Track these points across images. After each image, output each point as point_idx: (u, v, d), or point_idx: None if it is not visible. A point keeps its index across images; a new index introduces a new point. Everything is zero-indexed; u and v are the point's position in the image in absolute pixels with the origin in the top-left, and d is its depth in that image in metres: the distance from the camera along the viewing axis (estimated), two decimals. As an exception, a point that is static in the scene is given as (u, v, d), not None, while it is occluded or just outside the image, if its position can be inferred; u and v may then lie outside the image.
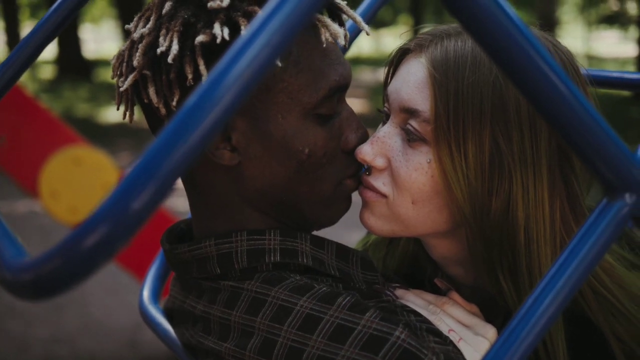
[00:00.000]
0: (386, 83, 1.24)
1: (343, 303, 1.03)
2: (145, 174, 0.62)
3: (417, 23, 23.39)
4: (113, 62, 1.16)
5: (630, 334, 1.11)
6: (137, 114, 1.18)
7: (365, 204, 1.21)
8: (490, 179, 1.10)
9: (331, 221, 1.19)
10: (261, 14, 0.64)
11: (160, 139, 0.63)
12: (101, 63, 23.10)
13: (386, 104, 1.22)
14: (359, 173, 1.20)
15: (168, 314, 1.29)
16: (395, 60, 1.24)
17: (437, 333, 1.04)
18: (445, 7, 0.73)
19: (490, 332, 1.13)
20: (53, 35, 1.26)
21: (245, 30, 0.63)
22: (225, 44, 1.03)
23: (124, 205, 0.62)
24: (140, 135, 11.98)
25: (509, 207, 1.10)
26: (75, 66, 19.71)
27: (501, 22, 0.71)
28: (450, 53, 1.12)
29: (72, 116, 13.92)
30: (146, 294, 1.44)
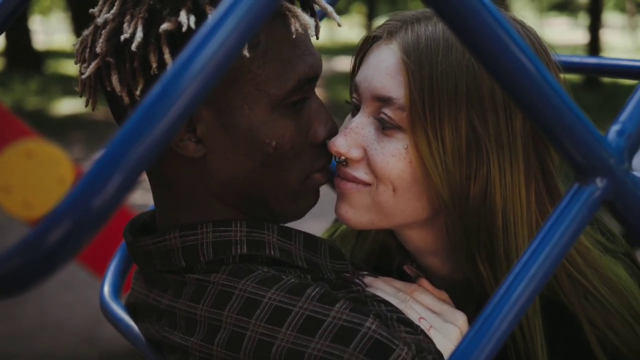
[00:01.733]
0: (354, 73, 1.22)
1: (312, 294, 1.01)
2: (109, 167, 0.60)
3: (371, 11, 23.43)
4: (76, 47, 1.12)
5: (603, 318, 1.11)
6: (88, 105, 1.14)
7: (342, 197, 1.18)
8: (468, 163, 1.09)
9: (297, 215, 1.17)
10: (226, 0, 0.62)
11: (123, 131, 0.61)
12: (52, 54, 22.71)
13: (355, 95, 1.19)
14: (327, 167, 1.17)
15: (131, 309, 1.26)
16: (363, 49, 1.22)
17: (408, 323, 1.03)
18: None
19: (460, 319, 1.12)
20: (1, 27, 1.21)
21: (210, 17, 0.61)
22: (191, 33, 0.99)
23: (87, 200, 0.60)
24: (93, 128, 11.82)
25: (487, 191, 1.10)
26: (25, 58, 19.33)
27: (471, 4, 0.70)
28: (422, 38, 1.11)
29: (22, 109, 13.66)
30: (107, 289, 1.40)
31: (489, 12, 0.71)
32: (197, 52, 0.62)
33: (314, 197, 1.18)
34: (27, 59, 19.27)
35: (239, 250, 1.08)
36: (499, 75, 0.75)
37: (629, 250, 1.23)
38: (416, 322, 1.07)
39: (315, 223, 2.23)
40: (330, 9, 1.12)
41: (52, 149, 4.31)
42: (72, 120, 13.01)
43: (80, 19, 15.35)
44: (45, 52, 22.15)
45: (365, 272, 1.17)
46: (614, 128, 0.82)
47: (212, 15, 0.62)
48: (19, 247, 0.61)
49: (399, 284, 1.16)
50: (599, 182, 0.80)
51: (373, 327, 0.97)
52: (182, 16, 0.99)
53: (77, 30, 15.78)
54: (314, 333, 0.97)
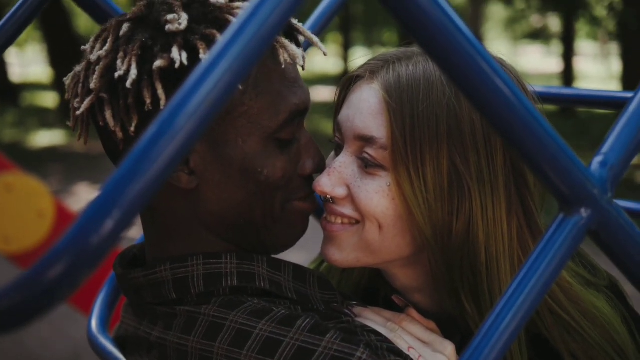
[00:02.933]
0: (337, 112, 1.24)
1: (303, 325, 1.02)
2: (107, 205, 0.61)
3: (347, 41, 23.54)
4: (67, 82, 1.14)
5: (585, 352, 1.13)
6: (66, 137, 1.15)
7: (330, 239, 1.20)
8: (450, 200, 1.11)
9: (286, 244, 1.18)
10: (221, 39, 0.64)
11: (120, 170, 0.62)
12: (28, 87, 22.66)
13: (337, 134, 1.21)
14: (309, 195, 1.19)
15: (120, 342, 1.26)
16: (345, 88, 1.24)
17: (398, 352, 1.04)
18: (404, 28, 0.73)
19: (449, 348, 1.13)
20: None
21: (205, 57, 0.62)
22: (184, 68, 1.02)
23: (85, 238, 0.60)
24: (71, 160, 11.77)
25: (469, 227, 1.11)
26: (1, 91, 19.31)
27: (457, 41, 0.72)
28: (403, 78, 1.13)
29: (-1, 142, 13.63)
30: (94, 322, 1.40)
31: (474, 47, 0.73)
32: (193, 91, 0.63)
33: (302, 226, 1.19)
34: (4, 91, 19.23)
35: (229, 282, 1.09)
36: (485, 109, 0.77)
37: (612, 281, 1.25)
38: (405, 351, 1.09)
39: (297, 254, 2.24)
40: (315, 38, 1.14)
41: (32, 181, 4.29)
42: (49, 153, 12.94)
43: (56, 52, 15.33)
44: (21, 84, 22.11)
45: (354, 302, 1.19)
46: (597, 159, 0.84)
47: (208, 55, 0.63)
48: (18, 284, 0.62)
49: (388, 314, 1.17)
50: (584, 212, 0.82)
51: (364, 357, 0.98)
52: (175, 53, 1.01)
53: (53, 62, 15.77)
54: None
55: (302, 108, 1.12)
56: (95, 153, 12.70)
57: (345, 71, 17.09)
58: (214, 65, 0.63)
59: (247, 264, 1.11)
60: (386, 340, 1.06)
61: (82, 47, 1.13)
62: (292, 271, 1.14)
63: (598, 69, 27.48)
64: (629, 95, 1.25)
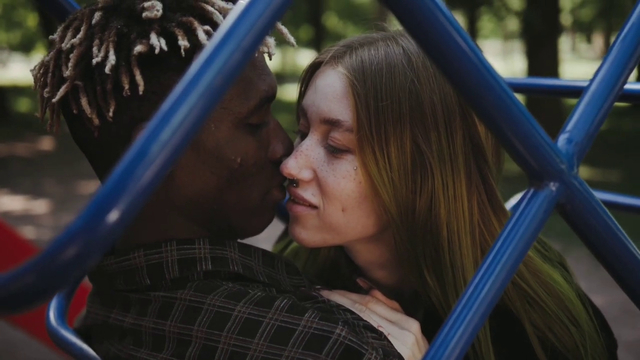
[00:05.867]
0: (300, 98, 1.27)
1: (281, 306, 1.05)
2: (116, 191, 0.64)
3: (318, 34, 23.27)
4: (34, 72, 1.13)
5: (543, 321, 1.19)
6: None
7: (295, 219, 1.23)
8: (413, 179, 1.15)
9: (256, 231, 1.21)
10: (207, 49, 0.66)
11: (130, 154, 0.64)
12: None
13: (302, 119, 1.24)
14: (284, 183, 1.22)
15: (85, 332, 1.26)
16: (309, 74, 1.27)
17: (373, 329, 1.08)
18: (389, 9, 0.77)
19: (414, 326, 1.18)
20: None
21: (192, 68, 0.65)
22: (162, 54, 1.04)
23: (96, 223, 0.63)
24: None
25: (432, 204, 1.16)
26: None
27: (438, 20, 0.76)
28: (366, 62, 1.17)
29: None
30: (52, 315, 1.39)
31: (450, 23, 0.77)
32: (175, 108, 0.65)
33: (271, 214, 1.22)
34: None
35: (203, 267, 1.11)
36: (461, 88, 0.82)
37: (561, 260, 1.33)
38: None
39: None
40: (284, 29, 1.17)
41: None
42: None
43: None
44: None
45: (319, 287, 1.22)
46: (563, 136, 0.90)
47: (192, 68, 0.65)
48: (31, 266, 0.64)
49: (354, 295, 1.22)
50: (552, 186, 0.87)
51: (343, 333, 1.01)
52: (153, 39, 1.02)
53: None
54: (286, 342, 1.01)
55: (270, 94, 1.15)
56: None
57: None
58: (195, 81, 0.66)
59: (220, 249, 1.13)
60: (361, 318, 1.10)
61: (50, 37, 1.13)
62: (261, 256, 1.17)
63: (500, 67, 28.23)
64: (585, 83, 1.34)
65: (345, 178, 1.17)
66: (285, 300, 1.06)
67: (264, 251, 1.19)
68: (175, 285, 1.11)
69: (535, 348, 1.18)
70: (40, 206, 8.97)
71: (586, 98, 0.92)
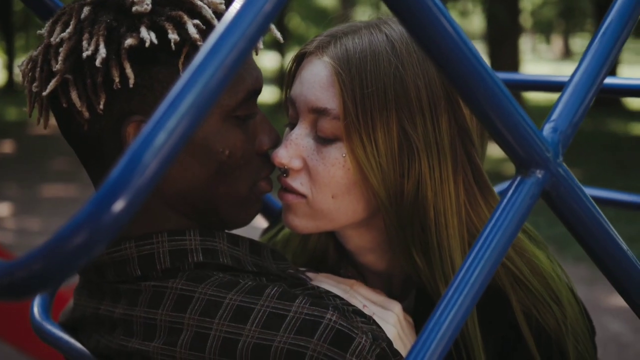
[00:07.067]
0: (288, 90, 1.30)
1: (272, 293, 1.07)
2: (121, 183, 0.65)
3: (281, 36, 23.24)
4: (22, 68, 1.14)
5: (528, 299, 1.23)
6: None
7: (287, 208, 1.25)
8: (400, 162, 1.18)
9: (244, 223, 1.22)
10: (197, 58, 0.67)
11: (136, 143, 0.65)
12: None
13: (291, 110, 1.27)
14: (270, 175, 1.24)
15: (71, 326, 1.26)
16: (296, 65, 1.29)
17: (362, 314, 1.10)
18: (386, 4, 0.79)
19: (397, 306, 1.22)
20: None
21: (184, 74, 0.66)
22: (152, 48, 1.05)
23: (102, 212, 0.64)
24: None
25: (419, 187, 1.19)
26: None
27: (428, 7, 0.78)
28: (351, 50, 1.19)
29: None
30: (37, 310, 1.39)
31: (439, 10, 0.79)
32: (180, 97, 0.66)
33: (259, 206, 1.24)
34: None
35: (194, 259, 1.12)
36: (451, 78, 0.84)
37: (543, 242, 1.36)
38: (360, 308, 1.16)
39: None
40: (271, 25, 1.18)
41: None
42: None
43: None
44: None
45: (305, 269, 1.25)
46: (548, 125, 0.93)
47: (184, 76, 0.66)
48: (39, 254, 0.65)
49: (338, 278, 1.25)
50: (539, 174, 0.90)
51: (333, 318, 1.04)
52: (144, 32, 1.04)
53: None
54: (278, 328, 1.03)
55: (257, 87, 1.17)
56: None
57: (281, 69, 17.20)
58: (187, 88, 0.66)
59: (210, 240, 1.15)
60: (350, 304, 1.12)
61: (38, 32, 1.14)
62: (248, 245, 1.19)
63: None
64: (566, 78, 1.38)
65: (335, 165, 1.19)
66: (276, 288, 1.08)
67: (251, 240, 1.21)
68: (166, 275, 1.12)
69: (520, 324, 1.22)
70: (2, 209, 8.87)
71: (570, 89, 0.95)
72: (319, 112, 1.20)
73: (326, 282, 1.22)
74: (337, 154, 1.19)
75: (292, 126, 1.27)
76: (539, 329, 1.22)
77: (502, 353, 1.23)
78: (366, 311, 1.16)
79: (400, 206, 1.20)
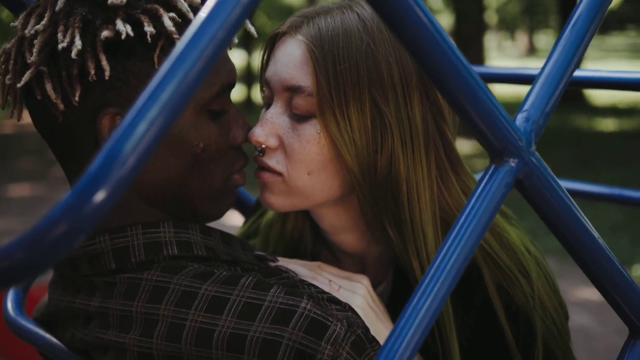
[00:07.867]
0: (263, 70, 1.31)
1: (247, 283, 1.08)
2: (100, 177, 0.64)
3: (247, 34, 23.08)
4: None
5: (498, 273, 1.25)
6: None
7: (264, 186, 1.27)
8: (374, 138, 1.20)
9: (218, 215, 1.23)
10: (177, 49, 0.67)
11: (116, 136, 0.65)
12: None
13: (266, 90, 1.28)
14: (243, 169, 1.25)
15: (46, 320, 1.26)
16: (270, 46, 1.31)
17: (337, 302, 1.11)
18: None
19: (364, 279, 1.25)
20: None
21: (164, 65, 0.67)
22: (128, 40, 1.06)
23: (84, 202, 0.64)
24: None
25: (391, 162, 1.22)
26: None
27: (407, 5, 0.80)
28: (323, 29, 1.22)
29: None
30: (10, 305, 1.39)
31: (419, 7, 0.80)
32: (162, 86, 0.67)
33: (232, 199, 1.25)
34: None
35: (169, 251, 1.13)
36: (426, 68, 0.85)
37: (515, 218, 1.38)
38: (327, 285, 1.20)
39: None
40: (246, 21, 1.19)
41: None
42: None
43: None
44: None
45: (274, 257, 1.27)
46: (521, 115, 0.95)
47: (163, 66, 0.66)
48: (20, 244, 0.65)
49: (305, 262, 1.29)
50: (512, 163, 0.92)
51: (308, 307, 1.05)
52: (119, 25, 1.04)
53: None
54: (253, 317, 1.04)
55: (231, 81, 1.18)
56: None
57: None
58: (166, 80, 0.67)
59: (184, 232, 1.15)
60: (324, 291, 1.13)
61: (12, 24, 1.13)
62: (220, 236, 1.20)
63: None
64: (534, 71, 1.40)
65: (310, 142, 1.21)
66: (251, 278, 1.09)
67: (221, 232, 1.22)
68: (141, 267, 1.12)
69: (492, 296, 1.24)
70: (-33, 210, 8.77)
71: (541, 79, 0.97)
72: (293, 90, 1.22)
73: (293, 263, 1.25)
74: (312, 131, 1.21)
75: (268, 107, 1.28)
76: (508, 300, 1.25)
77: (474, 326, 1.26)
78: (333, 286, 1.19)
79: (373, 181, 1.22)
